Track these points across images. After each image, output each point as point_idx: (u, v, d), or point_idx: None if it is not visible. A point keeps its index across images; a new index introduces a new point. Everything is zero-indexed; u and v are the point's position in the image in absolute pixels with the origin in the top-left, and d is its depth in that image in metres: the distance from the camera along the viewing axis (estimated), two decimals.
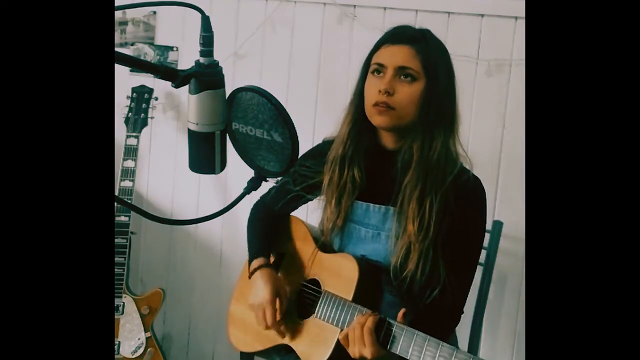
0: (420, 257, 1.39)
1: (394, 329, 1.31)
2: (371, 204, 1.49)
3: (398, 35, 1.43)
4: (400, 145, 1.45)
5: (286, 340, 1.53)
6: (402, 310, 1.32)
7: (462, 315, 1.49)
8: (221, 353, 2.48)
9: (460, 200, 1.41)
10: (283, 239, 1.65)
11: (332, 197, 1.50)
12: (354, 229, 1.50)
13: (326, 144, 1.57)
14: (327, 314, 1.46)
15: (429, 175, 1.39)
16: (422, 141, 1.40)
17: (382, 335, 1.31)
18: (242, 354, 1.70)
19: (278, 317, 1.50)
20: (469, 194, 1.44)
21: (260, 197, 1.71)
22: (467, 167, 1.47)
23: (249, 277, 1.56)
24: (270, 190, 1.68)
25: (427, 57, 1.39)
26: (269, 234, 1.65)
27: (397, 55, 1.39)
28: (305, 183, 1.56)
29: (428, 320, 1.38)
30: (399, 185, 1.44)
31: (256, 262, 1.56)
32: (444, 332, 1.43)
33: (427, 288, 1.41)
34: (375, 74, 1.42)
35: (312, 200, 1.60)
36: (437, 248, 1.40)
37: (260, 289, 1.51)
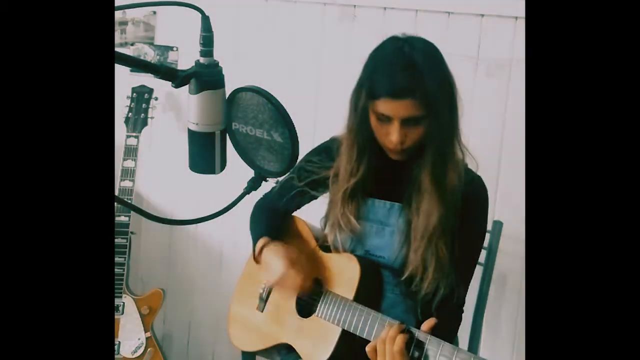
0: (428, 252, 1.40)
1: (425, 345, 1.27)
2: (376, 200, 1.49)
3: (400, 90, 1.35)
4: (407, 156, 1.46)
5: (287, 340, 1.54)
6: (432, 322, 1.29)
7: (462, 314, 1.50)
8: (221, 353, 2.48)
9: (465, 200, 1.43)
10: (285, 239, 1.65)
11: (341, 197, 1.50)
12: (359, 224, 1.50)
13: (334, 142, 1.57)
14: (329, 313, 1.46)
15: (439, 175, 1.41)
16: (432, 165, 1.41)
17: (411, 351, 1.28)
18: (244, 353, 1.70)
19: (303, 279, 1.48)
20: (474, 194, 1.45)
21: (263, 195, 1.71)
22: (472, 167, 1.48)
23: (256, 261, 1.55)
24: (273, 188, 1.68)
25: (427, 97, 1.35)
26: (273, 223, 1.64)
27: (401, 110, 1.36)
28: (310, 178, 1.56)
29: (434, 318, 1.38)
30: (406, 181, 1.45)
31: (261, 242, 1.55)
32: (451, 332, 1.44)
33: (433, 287, 1.41)
34: (383, 120, 1.39)
35: (316, 197, 1.59)
36: (445, 248, 1.41)
37: (274, 261, 1.49)
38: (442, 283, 1.40)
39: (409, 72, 1.36)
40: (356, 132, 1.46)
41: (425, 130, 1.39)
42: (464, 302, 1.48)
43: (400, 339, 1.26)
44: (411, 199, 1.44)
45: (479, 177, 1.49)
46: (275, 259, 1.50)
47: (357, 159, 1.47)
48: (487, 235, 1.91)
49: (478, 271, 1.91)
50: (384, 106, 1.37)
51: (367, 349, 1.31)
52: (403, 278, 1.43)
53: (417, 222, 1.42)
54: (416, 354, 1.27)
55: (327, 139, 1.61)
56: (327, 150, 1.57)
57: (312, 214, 1.66)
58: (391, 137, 1.38)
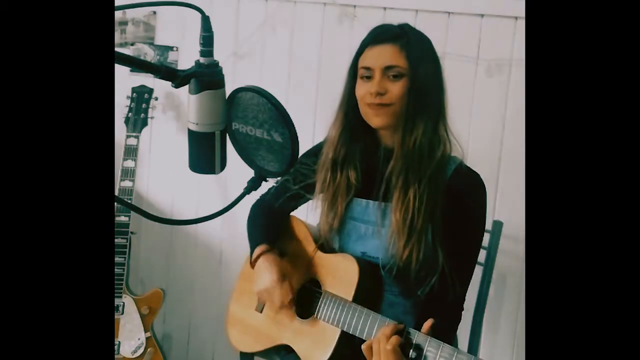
0: (408, 246, 1.39)
1: (424, 346, 1.26)
2: (370, 201, 1.49)
3: (380, 35, 1.44)
4: (388, 121, 1.45)
5: (286, 341, 1.54)
6: (430, 322, 1.28)
7: (462, 313, 1.49)
8: (221, 353, 2.48)
9: (454, 190, 1.41)
10: (283, 239, 1.65)
11: (326, 199, 1.51)
12: (354, 226, 1.50)
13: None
14: (328, 314, 1.46)
15: (410, 163, 1.40)
16: (403, 131, 1.41)
17: (409, 352, 1.28)
18: (242, 354, 1.70)
19: (290, 296, 1.50)
20: (463, 183, 1.43)
21: (260, 196, 1.71)
22: (459, 156, 1.47)
23: (251, 266, 1.56)
24: (270, 189, 1.68)
25: (410, 51, 1.40)
26: (271, 226, 1.65)
27: (382, 56, 1.41)
28: (304, 182, 1.57)
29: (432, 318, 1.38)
30: (388, 177, 1.44)
31: (259, 249, 1.56)
32: (450, 331, 1.43)
33: (424, 279, 1.41)
34: (365, 79, 1.43)
35: (312, 199, 1.60)
36: (434, 237, 1.40)
37: (266, 272, 1.51)
38: (433, 279, 1.39)
39: (397, 30, 1.45)
40: (345, 96, 1.50)
41: (407, 89, 1.39)
42: (464, 301, 1.47)
43: (394, 339, 1.26)
44: (387, 192, 1.44)
45: (468, 168, 1.46)
46: (266, 271, 1.51)
47: (343, 130, 1.49)
48: (487, 235, 1.92)
49: (478, 271, 1.91)
50: (367, 57, 1.43)
51: (363, 347, 1.31)
52: (393, 275, 1.43)
53: (396, 214, 1.41)
54: (414, 355, 1.26)
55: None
56: (320, 152, 1.57)
57: (311, 214, 1.66)
58: (370, 89, 1.40)
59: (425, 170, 1.40)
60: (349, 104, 1.48)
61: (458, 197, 1.41)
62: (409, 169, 1.41)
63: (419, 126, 1.41)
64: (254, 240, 1.61)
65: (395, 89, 1.40)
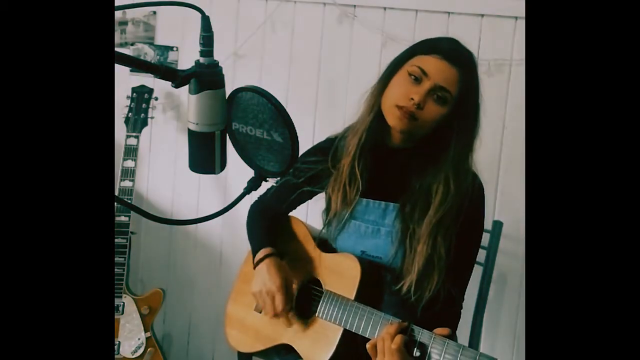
0: (423, 255, 1.40)
1: (429, 344, 1.27)
2: (371, 200, 1.49)
3: (452, 53, 1.37)
4: (406, 144, 1.46)
5: (287, 340, 1.53)
6: (447, 331, 1.28)
7: (461, 312, 1.50)
8: (221, 353, 2.48)
9: (467, 205, 1.43)
10: (283, 239, 1.64)
11: (336, 196, 1.50)
12: (354, 225, 1.50)
13: (329, 142, 1.57)
14: (330, 313, 1.46)
15: (447, 184, 1.41)
16: (446, 155, 1.41)
17: (414, 350, 1.28)
18: (240, 354, 1.70)
19: (287, 305, 1.49)
20: (475, 199, 1.45)
21: (258, 197, 1.71)
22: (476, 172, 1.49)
23: (254, 268, 1.56)
24: (268, 190, 1.68)
25: (466, 86, 1.37)
26: (271, 227, 1.65)
27: (443, 73, 1.35)
28: (308, 174, 1.56)
29: (432, 319, 1.38)
30: (407, 183, 1.45)
31: (263, 252, 1.55)
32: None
33: (430, 287, 1.41)
34: (412, 77, 1.37)
35: (315, 194, 1.59)
36: (442, 247, 1.41)
37: (268, 276, 1.50)
38: (439, 283, 1.40)
39: (463, 49, 1.41)
40: (381, 81, 1.43)
41: (441, 119, 1.37)
42: (463, 300, 1.48)
43: (399, 337, 1.26)
44: (415, 199, 1.44)
45: (475, 174, 1.47)
46: (269, 276, 1.50)
47: (370, 125, 1.45)
48: (487, 235, 1.92)
49: (478, 271, 1.91)
50: (429, 61, 1.36)
51: (367, 345, 1.31)
52: (400, 279, 1.43)
53: (418, 222, 1.42)
54: (418, 353, 1.27)
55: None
56: (322, 150, 1.57)
57: (311, 214, 1.66)
58: (413, 95, 1.35)
59: (457, 190, 1.41)
60: (378, 97, 1.43)
61: (469, 209, 1.43)
62: (445, 188, 1.40)
63: (454, 155, 1.41)
64: (256, 241, 1.60)
65: (432, 110, 1.37)
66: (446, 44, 1.39)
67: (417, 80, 1.36)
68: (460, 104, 1.38)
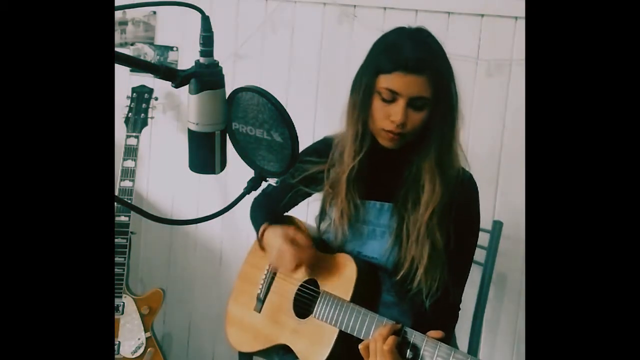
0: (419, 254, 1.40)
1: (421, 346, 1.26)
2: (367, 201, 1.50)
3: (412, 62, 1.34)
4: (400, 145, 1.46)
5: (285, 340, 1.54)
6: (440, 334, 1.27)
7: (459, 312, 1.50)
8: (221, 353, 2.48)
9: (457, 199, 1.43)
10: None
11: (332, 198, 1.50)
12: (351, 227, 1.50)
13: (326, 141, 1.57)
14: (326, 314, 1.46)
15: (433, 177, 1.41)
16: (428, 149, 1.41)
17: (406, 352, 1.28)
18: (241, 354, 1.70)
19: (302, 252, 1.48)
20: (466, 193, 1.45)
21: (262, 191, 1.72)
22: (466, 167, 1.48)
23: (260, 247, 1.57)
24: (269, 185, 1.68)
25: (438, 84, 1.37)
26: (274, 211, 1.66)
27: (413, 86, 1.34)
28: (302, 175, 1.56)
29: (429, 320, 1.38)
30: (399, 179, 1.45)
31: (262, 227, 1.58)
32: (447, 331, 1.43)
33: (427, 286, 1.41)
34: (385, 102, 1.37)
35: (310, 194, 1.59)
36: (438, 246, 1.41)
37: (273, 239, 1.52)
38: (435, 281, 1.40)
39: (423, 48, 1.37)
40: (360, 108, 1.42)
41: (426, 119, 1.38)
42: (460, 301, 1.48)
43: (391, 339, 1.26)
44: (406, 196, 1.44)
45: (470, 175, 1.48)
46: (273, 237, 1.53)
47: (361, 138, 1.44)
48: (487, 235, 1.92)
49: (478, 271, 1.91)
50: (394, 81, 1.35)
51: (360, 346, 1.31)
52: (397, 278, 1.43)
53: (411, 220, 1.42)
54: (410, 355, 1.26)
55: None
56: (318, 151, 1.57)
57: (311, 214, 1.66)
58: (393, 117, 1.36)
59: (446, 186, 1.41)
60: (364, 111, 1.42)
61: (460, 206, 1.43)
62: (433, 183, 1.41)
63: (448, 146, 1.42)
64: (259, 223, 1.62)
65: (417, 118, 1.37)
66: (404, 52, 1.36)
67: (391, 101, 1.37)
68: (439, 99, 1.38)
